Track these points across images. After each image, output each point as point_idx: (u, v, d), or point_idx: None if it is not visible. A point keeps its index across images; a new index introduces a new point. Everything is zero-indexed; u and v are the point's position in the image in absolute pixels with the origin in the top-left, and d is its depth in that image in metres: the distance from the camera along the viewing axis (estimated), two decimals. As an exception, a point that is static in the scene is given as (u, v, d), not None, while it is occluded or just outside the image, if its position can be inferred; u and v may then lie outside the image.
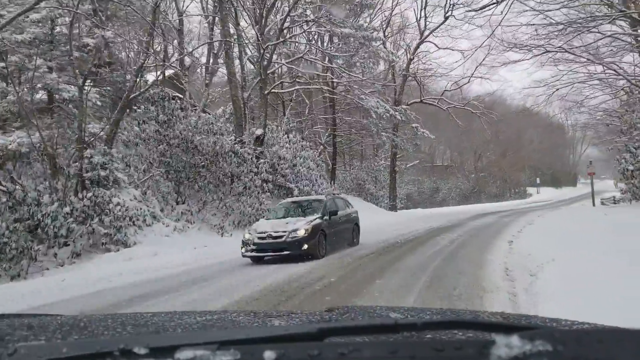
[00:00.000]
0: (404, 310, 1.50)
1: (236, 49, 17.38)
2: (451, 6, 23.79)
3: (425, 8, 24.83)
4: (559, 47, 15.54)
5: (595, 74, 19.16)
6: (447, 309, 1.59)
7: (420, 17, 25.06)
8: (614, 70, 17.85)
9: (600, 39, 15.33)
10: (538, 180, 54.29)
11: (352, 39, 19.33)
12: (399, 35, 25.57)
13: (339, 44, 20.43)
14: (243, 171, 14.56)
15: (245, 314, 1.43)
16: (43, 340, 1.02)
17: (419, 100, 25.97)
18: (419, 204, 57.25)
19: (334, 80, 21.60)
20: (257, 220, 12.19)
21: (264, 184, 14.99)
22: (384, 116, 20.57)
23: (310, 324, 1.17)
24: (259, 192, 14.67)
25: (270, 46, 15.85)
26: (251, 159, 14.98)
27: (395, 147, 25.14)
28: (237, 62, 17.66)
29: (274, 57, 17.88)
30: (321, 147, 25.74)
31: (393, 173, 26.08)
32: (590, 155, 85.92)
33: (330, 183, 21.16)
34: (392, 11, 24.17)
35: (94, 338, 1.07)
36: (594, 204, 20.44)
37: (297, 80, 22.03)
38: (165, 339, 0.93)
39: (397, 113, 21.31)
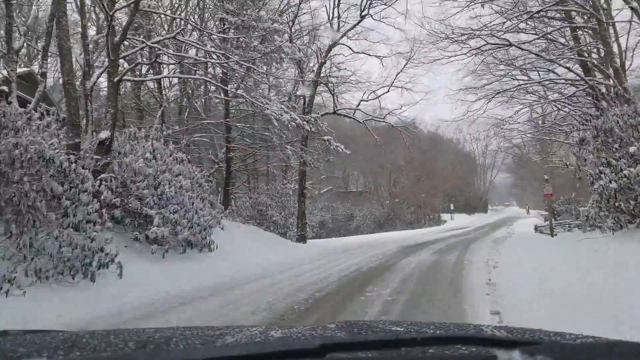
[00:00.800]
0: (406, 325, 1.53)
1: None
2: (368, 3, 20.59)
3: (338, 6, 21.44)
4: (503, 38, 12.41)
5: (529, 82, 16.67)
6: (451, 323, 1.78)
7: (332, 17, 21.63)
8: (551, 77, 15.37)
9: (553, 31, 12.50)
10: (452, 207, 53.27)
11: (250, 30, 15.19)
12: (309, 36, 21.81)
13: (234, 35, 16.08)
14: (66, 190, 9.41)
15: (247, 329, 1.44)
16: (45, 358, 1.03)
17: (332, 111, 22.29)
18: (333, 232, 53.77)
19: (222, 74, 17.13)
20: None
21: (103, 211, 9.91)
22: (289, 125, 16.36)
23: (311, 339, 1.19)
24: (93, 223, 9.57)
25: (120, 14, 11.02)
26: (85, 173, 9.88)
27: (303, 164, 21.00)
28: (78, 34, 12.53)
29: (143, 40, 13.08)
30: (216, 165, 21.00)
31: (302, 196, 21.83)
32: (498, 184, 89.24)
33: (224, 209, 16.51)
34: (299, 5, 20.34)
35: (95, 354, 1.09)
36: (552, 234, 17.40)
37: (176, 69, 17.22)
38: (165, 356, 0.99)
39: (305, 123, 17.25)
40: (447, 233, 27.83)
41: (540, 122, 21.32)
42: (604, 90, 12.22)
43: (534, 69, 15.91)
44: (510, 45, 12.39)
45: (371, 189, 59.77)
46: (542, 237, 18.27)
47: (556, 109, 18.52)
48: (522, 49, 12.80)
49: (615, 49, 13.11)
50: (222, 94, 18.24)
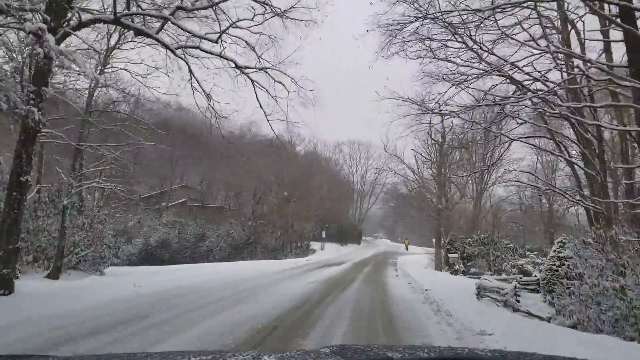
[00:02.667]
0: (401, 349, 1.53)
1: None
2: None
3: None
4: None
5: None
6: (447, 347, 1.80)
7: None
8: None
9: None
10: (324, 234, 46.02)
11: None
12: None
13: None
14: None
15: (240, 354, 1.45)
16: None
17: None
18: (178, 255, 42.96)
19: None
20: None
21: None
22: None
23: None
24: None
25: None
26: None
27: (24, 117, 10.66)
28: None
29: None
30: None
31: (15, 190, 11.53)
32: (369, 214, 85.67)
33: None
34: None
35: None
36: (478, 297, 10.09)
37: None
38: None
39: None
40: (310, 278, 18.76)
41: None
42: None
43: None
44: None
45: (231, 205, 50.24)
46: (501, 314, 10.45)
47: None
48: None
49: None
50: None
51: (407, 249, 54.93)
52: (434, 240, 77.66)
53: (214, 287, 13.40)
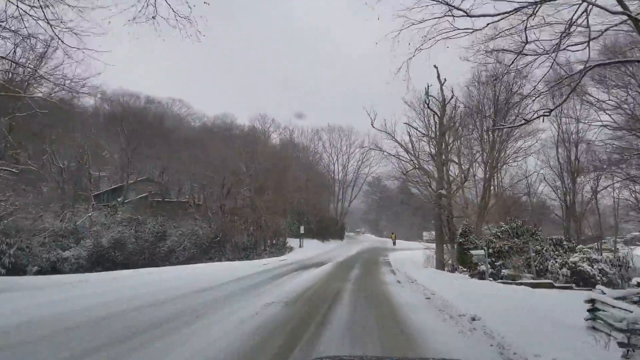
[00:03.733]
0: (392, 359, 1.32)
1: None
2: None
3: None
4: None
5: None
6: (437, 358, 2.88)
7: None
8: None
9: None
10: (302, 229, 40.78)
11: None
12: None
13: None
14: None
15: None
16: None
17: None
18: (134, 257, 37.19)
19: None
20: None
21: None
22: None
23: None
24: None
25: None
26: None
27: None
28: None
29: None
30: None
31: None
32: (352, 208, 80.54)
33: None
34: None
35: None
36: None
37: None
38: None
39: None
40: (274, 293, 13.10)
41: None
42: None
43: None
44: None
45: (195, 199, 44.49)
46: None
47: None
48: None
49: None
50: None
51: (394, 244, 49.92)
52: (426, 234, 72.60)
53: (85, 322, 7.82)
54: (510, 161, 26.92)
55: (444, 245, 22.40)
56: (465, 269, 18.20)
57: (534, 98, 11.03)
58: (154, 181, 49.14)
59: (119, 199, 44.37)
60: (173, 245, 38.04)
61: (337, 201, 65.90)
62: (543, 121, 23.80)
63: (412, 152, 24.73)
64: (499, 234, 17.14)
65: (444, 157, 23.55)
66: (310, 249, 38.58)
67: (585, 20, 7.86)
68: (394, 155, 25.98)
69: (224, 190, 39.44)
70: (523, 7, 8.18)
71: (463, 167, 23.79)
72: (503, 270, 15.50)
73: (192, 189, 48.46)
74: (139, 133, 46.62)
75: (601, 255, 16.33)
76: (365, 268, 22.14)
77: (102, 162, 47.75)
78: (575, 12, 7.97)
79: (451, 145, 23.73)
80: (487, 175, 23.11)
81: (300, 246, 39.52)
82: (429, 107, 24.11)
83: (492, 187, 25.09)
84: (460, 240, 19.35)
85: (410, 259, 26.47)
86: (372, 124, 24.51)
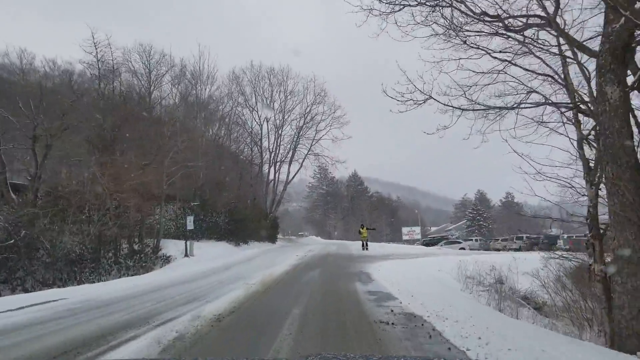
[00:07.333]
0: (378, 359, 1.54)
1: None
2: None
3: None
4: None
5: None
6: (422, 357, 2.06)
7: None
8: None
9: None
10: (191, 223, 23.88)
11: None
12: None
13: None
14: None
15: None
16: None
17: None
18: None
19: None
20: None
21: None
22: None
23: None
24: None
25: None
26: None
27: None
28: None
29: None
30: None
31: None
32: (291, 211, 63.51)
33: None
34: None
35: None
36: None
37: None
38: None
39: None
40: None
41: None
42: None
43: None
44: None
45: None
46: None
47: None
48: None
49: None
50: None
51: (365, 246, 31.48)
52: (407, 230, 56.93)
53: None
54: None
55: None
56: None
57: None
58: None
59: None
60: None
61: (267, 184, 46.00)
62: None
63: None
64: None
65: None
66: (206, 259, 22.01)
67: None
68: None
69: (36, 157, 21.06)
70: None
71: None
72: None
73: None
74: None
75: None
76: None
77: None
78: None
79: None
80: None
81: (188, 254, 22.69)
82: None
83: None
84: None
85: (451, 289, 11.00)
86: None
